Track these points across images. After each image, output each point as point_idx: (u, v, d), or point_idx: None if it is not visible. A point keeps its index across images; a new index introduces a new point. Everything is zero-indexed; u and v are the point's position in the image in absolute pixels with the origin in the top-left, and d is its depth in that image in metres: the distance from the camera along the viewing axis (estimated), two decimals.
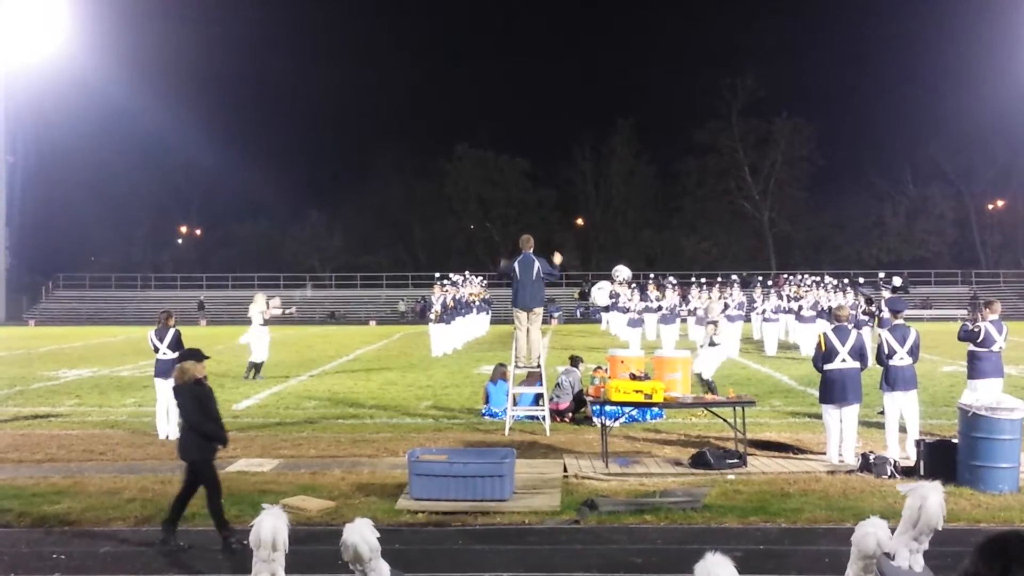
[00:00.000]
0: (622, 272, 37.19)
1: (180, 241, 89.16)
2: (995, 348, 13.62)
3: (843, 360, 12.16)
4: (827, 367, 12.25)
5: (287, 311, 23.90)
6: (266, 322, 23.21)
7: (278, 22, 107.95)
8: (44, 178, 72.11)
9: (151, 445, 13.98)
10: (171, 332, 14.85)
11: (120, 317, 63.39)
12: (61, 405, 18.49)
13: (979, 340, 13.70)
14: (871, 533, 4.24)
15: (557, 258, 15.86)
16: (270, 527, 4.39)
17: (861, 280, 32.96)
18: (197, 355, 9.16)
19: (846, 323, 12.75)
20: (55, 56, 61.09)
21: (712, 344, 18.79)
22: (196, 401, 8.89)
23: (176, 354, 14.78)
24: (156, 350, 14.87)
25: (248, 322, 23.65)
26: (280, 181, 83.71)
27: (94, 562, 8.26)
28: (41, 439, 14.51)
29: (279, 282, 71.85)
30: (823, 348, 12.31)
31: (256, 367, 23.04)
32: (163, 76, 76.26)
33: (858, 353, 12.23)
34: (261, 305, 23.39)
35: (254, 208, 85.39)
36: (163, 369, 14.71)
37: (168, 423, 14.58)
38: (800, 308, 30.35)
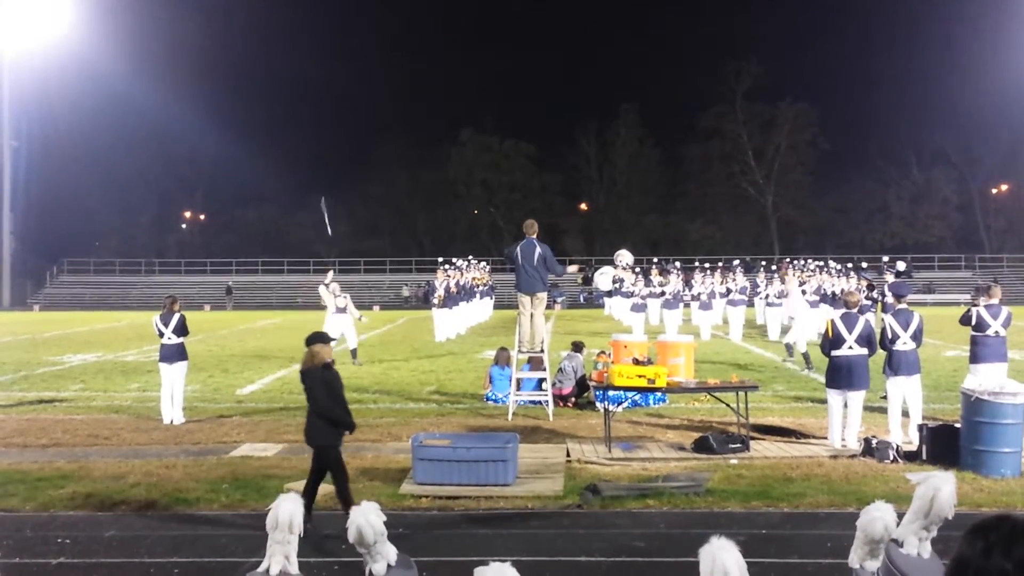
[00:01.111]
0: (624, 257, 37.12)
1: (184, 226, 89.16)
2: (990, 333, 13.64)
3: (850, 347, 12.16)
4: (834, 353, 12.24)
5: (359, 318, 23.39)
6: (339, 309, 22.90)
7: (282, 8, 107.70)
8: (49, 163, 72.11)
9: (155, 430, 14.02)
10: (176, 317, 14.87)
11: (124, 302, 63.49)
12: (66, 390, 18.55)
13: (974, 324, 13.75)
14: (878, 518, 4.25)
15: (571, 268, 16.08)
16: (288, 511, 4.43)
17: (864, 265, 32.94)
18: (324, 338, 8.99)
19: (855, 310, 12.73)
20: (60, 41, 61.06)
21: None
22: (326, 385, 8.71)
23: (180, 339, 14.87)
24: (161, 335, 14.89)
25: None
26: (284, 167, 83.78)
27: (99, 546, 8.29)
28: (46, 424, 14.56)
29: (283, 268, 71.92)
30: (830, 334, 12.31)
31: (352, 352, 22.90)
32: (168, 62, 76.29)
33: (866, 340, 12.23)
34: (334, 290, 22.96)
35: (258, 194, 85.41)
36: (168, 354, 14.75)
37: (172, 408, 14.61)
38: (804, 293, 30.31)
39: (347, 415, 8.80)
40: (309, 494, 8.54)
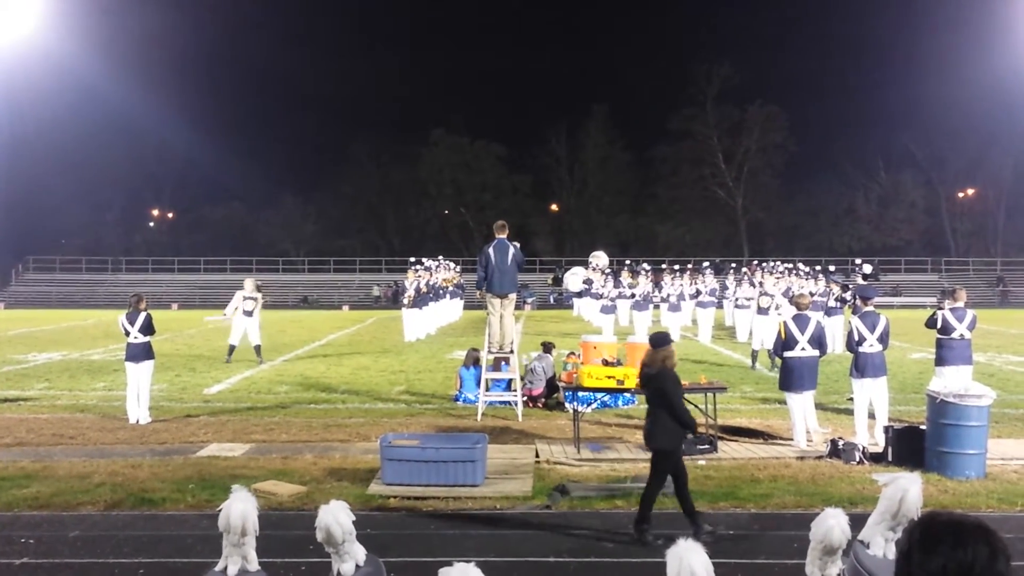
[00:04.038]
0: (600, 258, 37.24)
1: (152, 224, 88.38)
2: (955, 336, 13.82)
3: (803, 348, 12.34)
4: (787, 355, 12.47)
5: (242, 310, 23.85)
6: (246, 312, 23.09)
7: (254, 6, 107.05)
8: (15, 159, 71.06)
9: (121, 429, 13.91)
10: (142, 316, 14.77)
11: (91, 300, 62.81)
12: (30, 389, 18.36)
13: (939, 327, 13.92)
14: (835, 525, 4.27)
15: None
16: (239, 511, 4.35)
17: (832, 268, 33.17)
18: (670, 339, 8.85)
19: (806, 312, 12.90)
20: (27, 36, 60.33)
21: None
22: (678, 387, 8.57)
23: (147, 338, 14.75)
24: (127, 334, 14.78)
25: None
26: (254, 165, 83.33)
27: (63, 546, 8.21)
28: (10, 423, 14.40)
29: (251, 266, 71.46)
30: (783, 336, 12.50)
31: (230, 349, 23.25)
32: (137, 58, 75.42)
33: (817, 342, 12.44)
34: (245, 293, 23.29)
35: (227, 192, 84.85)
36: (134, 353, 14.64)
37: (138, 407, 14.49)
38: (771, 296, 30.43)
39: (690, 416, 8.65)
40: (686, 501, 8.39)
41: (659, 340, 8.84)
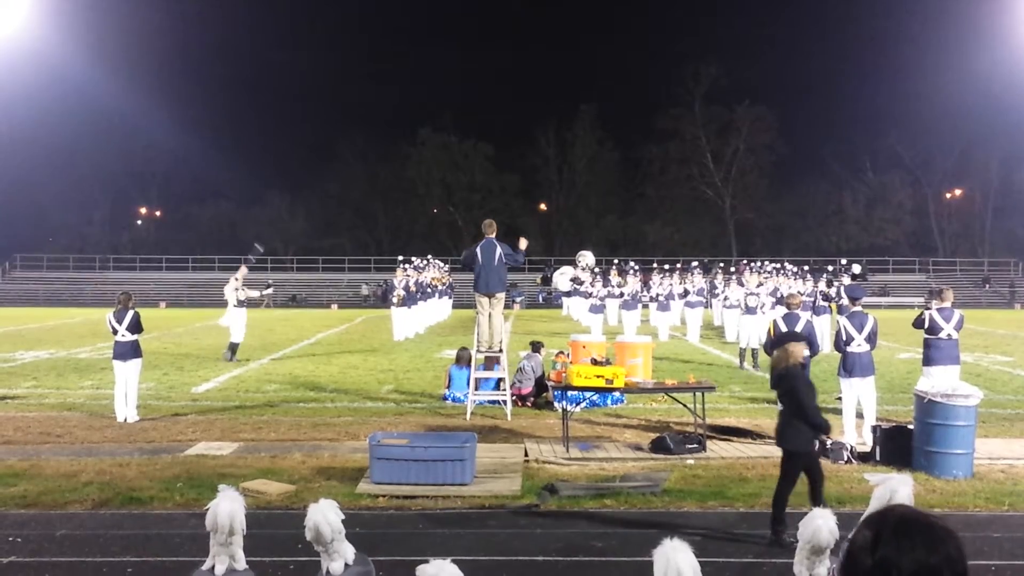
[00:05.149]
0: (586, 258, 37.23)
1: (139, 223, 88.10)
2: (943, 335, 13.85)
3: None
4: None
5: (264, 293, 23.74)
6: (240, 303, 23.09)
7: (241, 5, 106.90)
8: (2, 157, 71.01)
9: (109, 428, 13.86)
10: (130, 314, 14.71)
11: (78, 299, 62.53)
12: (18, 387, 18.27)
13: (927, 327, 13.95)
14: (822, 526, 4.28)
15: (523, 243, 15.88)
16: (227, 511, 4.34)
17: (830, 268, 33.26)
18: (799, 337, 8.76)
19: (797, 311, 12.93)
20: (14, 33, 60.05)
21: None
22: (808, 386, 8.42)
23: (135, 336, 14.70)
24: (115, 332, 14.72)
25: (224, 304, 23.67)
26: (241, 163, 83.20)
27: (51, 545, 8.18)
28: None
29: (239, 264, 71.15)
30: (772, 335, 12.51)
31: (233, 348, 23.07)
32: (125, 56, 75.37)
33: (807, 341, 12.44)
34: (234, 284, 23.24)
35: (215, 190, 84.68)
36: (121, 351, 14.58)
37: (126, 406, 14.43)
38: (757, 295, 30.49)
39: (822, 416, 8.52)
40: (783, 503, 8.28)
41: (785, 338, 8.84)
